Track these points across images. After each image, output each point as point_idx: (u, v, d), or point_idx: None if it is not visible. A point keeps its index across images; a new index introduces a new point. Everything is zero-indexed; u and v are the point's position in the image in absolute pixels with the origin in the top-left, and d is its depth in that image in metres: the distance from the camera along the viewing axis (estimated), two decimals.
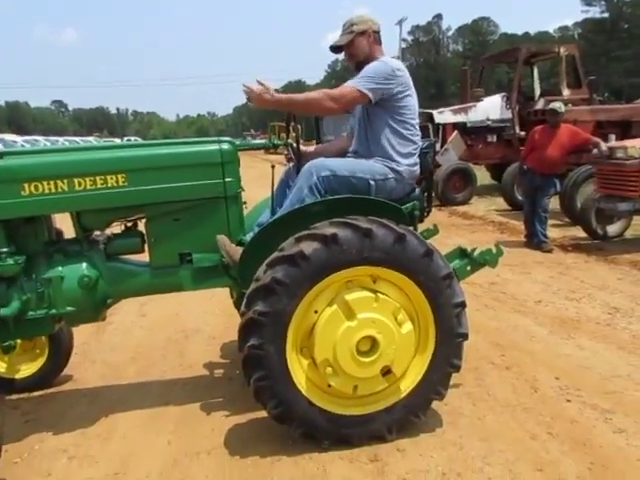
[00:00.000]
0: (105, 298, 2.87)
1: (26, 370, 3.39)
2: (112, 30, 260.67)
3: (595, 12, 55.33)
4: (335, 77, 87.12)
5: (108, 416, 3.07)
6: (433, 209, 3.53)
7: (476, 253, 3.10)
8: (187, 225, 2.86)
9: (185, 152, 2.86)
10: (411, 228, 2.74)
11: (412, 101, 2.95)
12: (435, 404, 3.00)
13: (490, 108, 11.27)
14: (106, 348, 4.13)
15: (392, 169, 2.88)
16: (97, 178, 2.65)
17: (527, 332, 4.17)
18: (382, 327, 2.52)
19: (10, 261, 2.62)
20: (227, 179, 2.82)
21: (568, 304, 4.83)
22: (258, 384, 2.49)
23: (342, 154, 3.20)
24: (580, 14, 64.67)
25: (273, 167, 3.08)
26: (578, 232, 7.38)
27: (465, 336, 2.67)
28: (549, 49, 12.00)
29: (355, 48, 3.00)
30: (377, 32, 3.02)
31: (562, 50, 11.19)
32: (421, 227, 3.18)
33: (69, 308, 2.73)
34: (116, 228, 2.97)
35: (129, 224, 2.98)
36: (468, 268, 3.10)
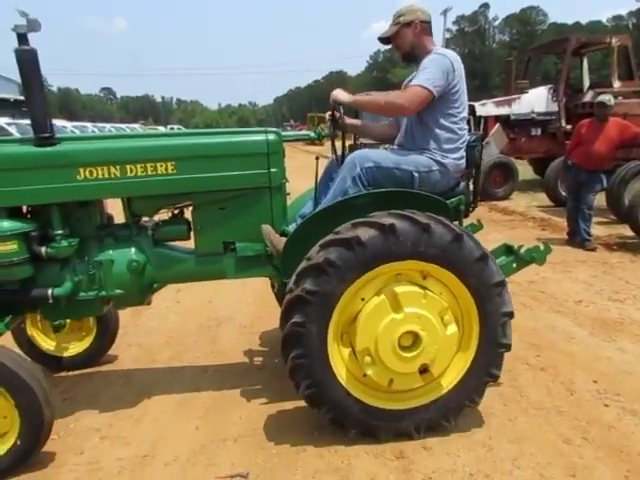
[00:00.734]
0: (152, 283, 2.94)
1: (73, 349, 3.54)
2: (160, 20, 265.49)
3: None
4: (376, 68, 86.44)
5: (141, 398, 3.15)
6: None
7: (523, 250, 3.03)
8: (232, 214, 2.90)
9: (232, 142, 2.88)
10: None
11: (464, 94, 2.91)
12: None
13: (535, 100, 10.91)
14: (142, 332, 4.23)
15: (437, 161, 2.85)
16: (148, 165, 2.71)
17: (566, 333, 4.04)
18: (427, 324, 2.50)
19: (64, 243, 2.70)
20: (272, 169, 2.84)
21: (611, 305, 4.65)
22: (295, 362, 2.49)
23: (384, 140, 3.15)
24: (635, 3, 61.71)
25: (317, 159, 3.08)
26: (625, 230, 7.10)
27: (508, 347, 2.63)
28: (600, 39, 11.48)
29: (401, 39, 2.97)
30: (426, 22, 2.96)
31: (614, 40, 10.69)
32: (465, 222, 3.13)
33: (118, 291, 2.81)
34: (163, 215, 3.03)
35: (176, 211, 3.04)
36: (514, 265, 3.03)
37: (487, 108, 10.86)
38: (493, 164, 10.26)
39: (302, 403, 3.02)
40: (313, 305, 2.42)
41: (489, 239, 5.07)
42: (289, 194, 3.10)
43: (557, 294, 4.97)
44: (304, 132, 3.50)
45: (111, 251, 2.84)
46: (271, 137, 2.86)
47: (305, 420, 2.85)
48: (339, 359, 2.59)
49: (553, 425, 2.80)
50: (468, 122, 3.25)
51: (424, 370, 2.59)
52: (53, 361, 3.48)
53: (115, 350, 3.78)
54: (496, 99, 11.33)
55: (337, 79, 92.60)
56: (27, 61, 2.49)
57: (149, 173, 2.71)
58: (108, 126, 27.80)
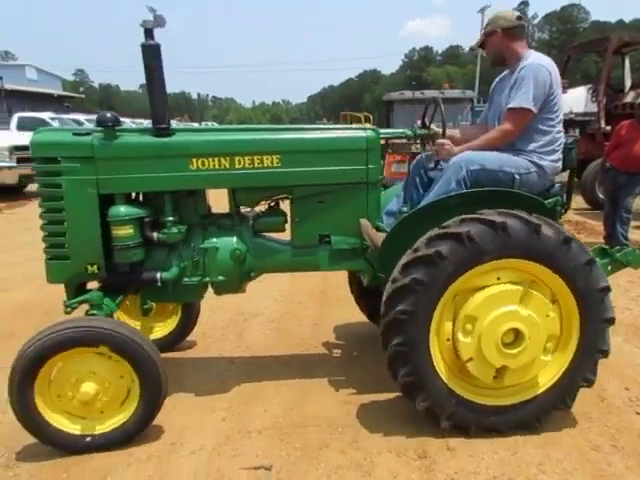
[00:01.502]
0: (250, 271, 3.05)
1: (157, 333, 3.67)
2: (199, 18, 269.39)
3: None
4: (411, 67, 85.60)
5: (171, 389, 3.19)
6: None
7: (619, 253, 3.03)
8: (329, 208, 2.99)
9: (335, 138, 2.99)
10: None
11: (560, 98, 2.97)
12: None
13: (574, 101, 10.65)
14: None
15: (534, 163, 2.91)
16: (255, 158, 2.83)
17: None
18: (532, 324, 2.53)
19: (174, 229, 2.86)
20: (370, 165, 2.94)
21: None
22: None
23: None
24: None
25: (411, 158, 3.13)
26: None
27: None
28: None
29: (488, 47, 3.13)
30: (509, 28, 3.03)
31: None
32: None
33: (220, 277, 2.94)
34: (261, 207, 3.14)
35: (272, 204, 3.14)
36: (609, 268, 3.03)
37: None
38: None
39: (325, 399, 3.07)
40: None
41: None
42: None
43: None
44: (401, 130, 3.52)
45: (215, 239, 2.96)
46: (370, 134, 2.95)
47: (329, 416, 2.88)
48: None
49: (582, 431, 2.75)
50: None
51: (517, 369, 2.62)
52: None
53: None
54: None
55: (371, 77, 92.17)
56: (151, 56, 2.63)
57: (256, 165, 2.83)
58: (145, 122, 28.33)
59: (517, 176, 2.85)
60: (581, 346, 2.63)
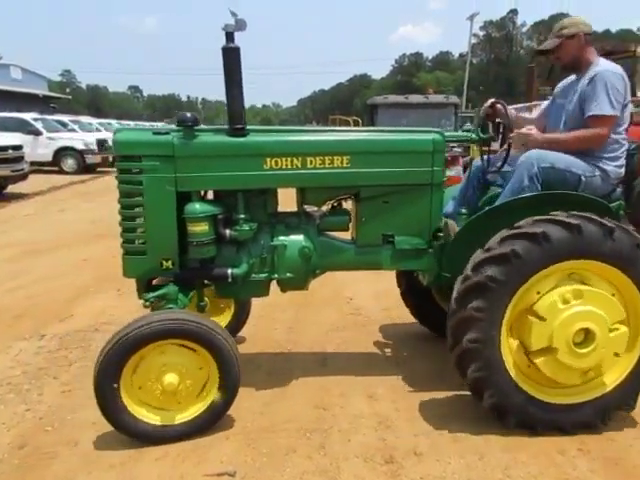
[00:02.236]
0: (315, 269, 3.09)
1: None
2: (187, 20, 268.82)
3: None
4: (401, 72, 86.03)
5: None
6: None
7: None
8: (394, 208, 3.05)
9: (402, 139, 3.06)
10: None
11: (628, 106, 3.04)
12: (460, 409, 2.92)
13: None
14: None
15: (599, 167, 2.98)
16: (326, 158, 2.89)
17: None
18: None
19: (246, 227, 2.92)
20: (435, 167, 2.99)
21: None
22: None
23: None
24: None
25: (472, 160, 3.24)
26: None
27: None
28: (625, 48, 11.21)
29: (563, 51, 3.12)
30: (589, 34, 3.11)
31: (639, 49, 10.48)
32: None
33: (288, 274, 2.99)
34: (326, 206, 3.19)
35: (335, 203, 3.19)
36: None
37: None
38: None
39: (296, 403, 3.06)
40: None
41: None
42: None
43: None
44: (465, 134, 3.56)
45: (284, 237, 3.01)
46: (436, 137, 3.00)
47: (298, 421, 2.87)
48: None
49: (548, 434, 2.74)
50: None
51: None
52: None
53: None
54: (516, 105, 11.17)
55: (361, 82, 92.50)
56: (232, 58, 2.69)
57: (326, 165, 2.90)
58: (132, 124, 28.23)
59: (583, 178, 2.92)
60: None
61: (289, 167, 2.87)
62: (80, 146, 17.27)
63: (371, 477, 2.43)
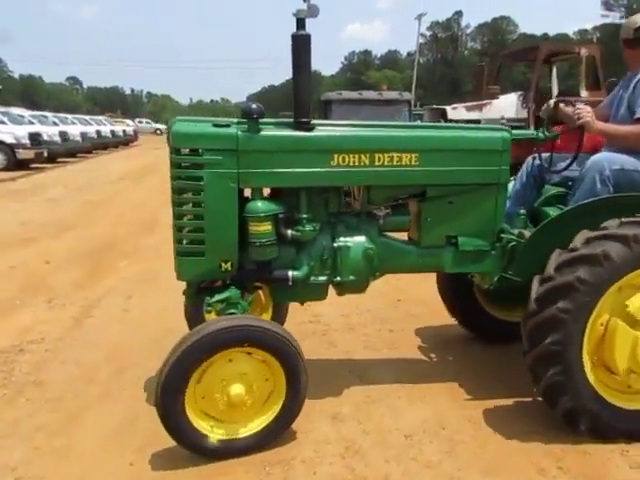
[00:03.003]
0: (375, 271, 2.93)
1: None
2: (131, 10, 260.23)
3: (615, 17, 54.33)
4: (351, 69, 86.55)
5: (69, 429, 2.78)
6: None
7: None
8: (459, 209, 2.93)
9: (472, 137, 2.92)
10: None
11: None
12: (433, 430, 2.71)
13: (506, 106, 10.87)
14: (80, 346, 3.83)
15: None
16: (394, 155, 2.74)
17: None
18: None
19: (308, 227, 2.74)
20: (502, 167, 2.89)
21: None
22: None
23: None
24: (600, 18, 63.46)
25: (533, 158, 3.28)
26: None
27: None
28: (570, 49, 11.62)
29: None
30: None
31: (583, 51, 10.81)
32: None
33: (351, 277, 2.84)
34: (387, 206, 3.07)
35: (397, 203, 3.06)
36: None
37: (458, 112, 10.80)
38: None
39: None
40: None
41: None
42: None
43: None
44: (532, 132, 3.34)
45: (346, 238, 2.85)
46: (505, 135, 2.90)
47: (255, 453, 2.56)
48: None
49: (527, 453, 2.59)
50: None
51: None
52: None
53: (47, 367, 3.41)
54: (467, 103, 11.28)
55: (312, 79, 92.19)
56: (302, 46, 2.53)
57: (394, 163, 2.75)
58: (70, 117, 26.74)
59: None
60: None
61: (356, 164, 2.71)
62: (10, 140, 15.98)
63: None
